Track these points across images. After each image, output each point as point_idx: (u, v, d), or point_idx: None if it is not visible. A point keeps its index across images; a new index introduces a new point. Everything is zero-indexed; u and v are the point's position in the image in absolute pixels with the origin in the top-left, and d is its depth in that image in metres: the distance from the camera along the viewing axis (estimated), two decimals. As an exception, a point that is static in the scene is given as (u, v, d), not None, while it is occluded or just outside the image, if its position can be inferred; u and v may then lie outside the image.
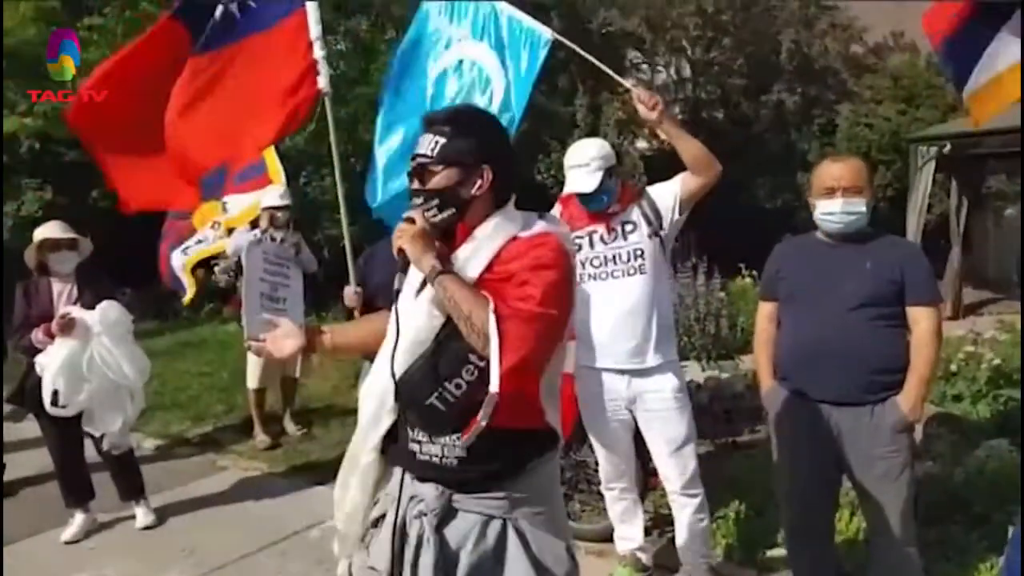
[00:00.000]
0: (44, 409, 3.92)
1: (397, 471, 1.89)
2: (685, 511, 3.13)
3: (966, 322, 6.95)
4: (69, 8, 10.79)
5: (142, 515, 4.31)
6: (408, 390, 1.78)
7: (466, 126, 1.80)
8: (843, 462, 2.67)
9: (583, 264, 3.07)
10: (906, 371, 2.57)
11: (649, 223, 3.04)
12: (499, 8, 3.45)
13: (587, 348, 3.08)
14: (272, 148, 6.24)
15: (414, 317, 1.78)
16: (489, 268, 1.73)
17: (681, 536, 3.17)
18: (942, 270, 8.33)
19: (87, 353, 3.90)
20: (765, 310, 2.91)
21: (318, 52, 3.48)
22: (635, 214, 3.05)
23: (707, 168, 2.95)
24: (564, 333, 1.76)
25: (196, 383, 7.30)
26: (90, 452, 4.29)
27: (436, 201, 1.77)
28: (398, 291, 1.81)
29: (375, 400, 1.86)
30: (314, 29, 3.47)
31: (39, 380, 3.93)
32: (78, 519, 4.22)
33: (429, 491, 1.79)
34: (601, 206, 3.04)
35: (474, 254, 1.75)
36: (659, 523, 3.61)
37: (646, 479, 3.47)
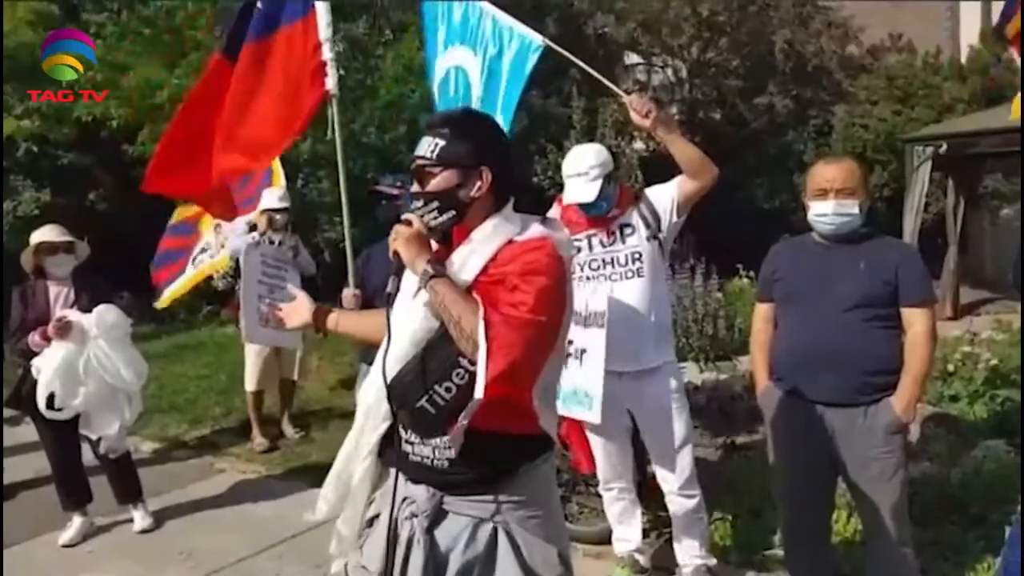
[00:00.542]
0: (41, 412, 3.92)
1: (392, 472, 1.89)
2: (683, 511, 3.13)
3: (963, 322, 6.96)
4: (66, 11, 10.80)
5: (140, 518, 4.31)
6: (399, 392, 1.78)
7: (464, 128, 1.81)
8: (838, 463, 2.68)
9: (581, 267, 3.08)
10: (900, 372, 2.57)
11: (647, 226, 3.05)
12: (486, 11, 3.46)
13: None
14: None
15: (410, 320, 1.78)
16: (484, 271, 1.73)
17: (678, 537, 3.18)
18: (939, 270, 8.34)
19: (84, 356, 3.91)
20: (761, 311, 2.92)
21: (327, 53, 3.48)
22: (633, 217, 3.06)
23: (703, 172, 2.95)
24: (558, 339, 1.76)
25: (194, 386, 7.29)
26: (87, 455, 4.28)
27: (436, 203, 1.77)
28: (390, 294, 1.82)
29: (373, 402, 1.87)
30: (323, 31, 3.47)
31: (36, 383, 3.93)
32: (76, 522, 4.21)
33: (420, 492, 1.81)
34: (601, 212, 3.05)
35: (470, 257, 1.75)
36: (657, 525, 3.61)
37: (643, 480, 3.48)
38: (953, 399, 4.93)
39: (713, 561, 3.24)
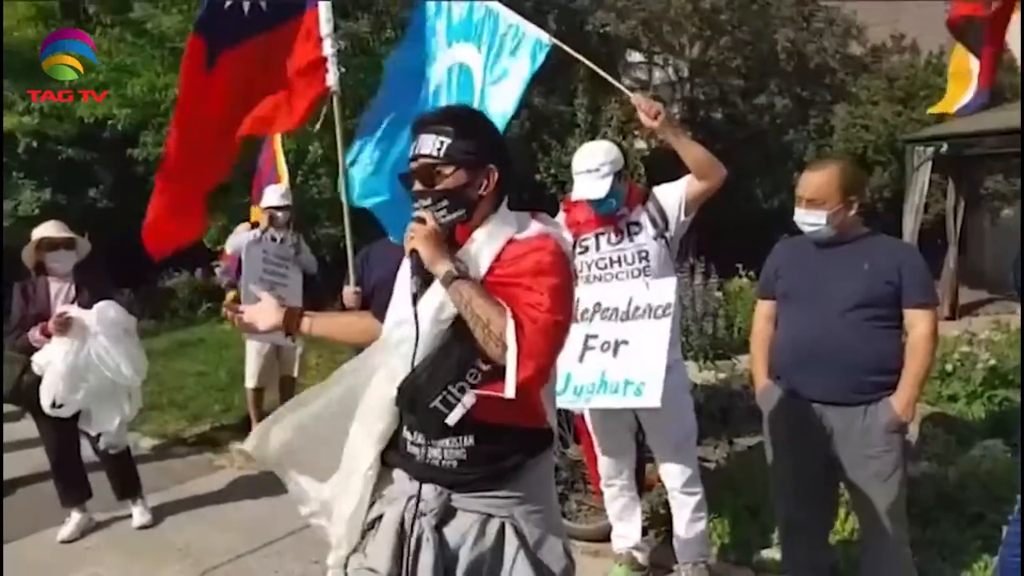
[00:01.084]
0: (41, 408, 3.92)
1: (395, 473, 1.90)
2: (684, 510, 3.14)
3: (962, 322, 6.97)
4: (66, 8, 10.78)
5: (139, 514, 4.31)
6: (412, 393, 1.77)
7: (468, 126, 1.80)
8: (836, 462, 2.68)
9: (588, 266, 3.09)
10: (900, 372, 2.58)
11: (655, 224, 3.06)
12: (494, 9, 3.45)
13: None
14: (280, 148, 6.25)
15: (421, 320, 1.76)
16: (490, 271, 1.74)
17: (679, 535, 3.19)
18: (938, 270, 8.35)
19: (84, 352, 3.91)
20: (763, 309, 2.92)
21: (328, 49, 3.46)
22: (641, 216, 3.07)
23: (711, 172, 2.96)
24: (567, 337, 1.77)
25: (193, 383, 7.29)
26: (87, 451, 4.29)
27: (446, 202, 1.76)
28: (416, 295, 1.75)
29: (381, 405, 1.86)
30: (325, 27, 3.46)
31: (35, 379, 3.93)
32: (75, 518, 4.22)
33: (428, 491, 1.80)
34: (611, 209, 3.05)
35: (477, 256, 1.75)
36: (655, 523, 3.61)
37: (642, 478, 3.49)
38: (951, 399, 4.94)
39: (712, 559, 3.25)
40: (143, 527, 4.27)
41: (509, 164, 1.84)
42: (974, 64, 4.12)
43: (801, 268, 2.77)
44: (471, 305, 1.65)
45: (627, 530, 3.33)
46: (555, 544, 1.82)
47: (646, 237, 3.06)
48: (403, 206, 2.07)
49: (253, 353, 5.52)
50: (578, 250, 3.11)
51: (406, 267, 1.85)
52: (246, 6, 3.48)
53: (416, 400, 1.77)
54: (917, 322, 2.58)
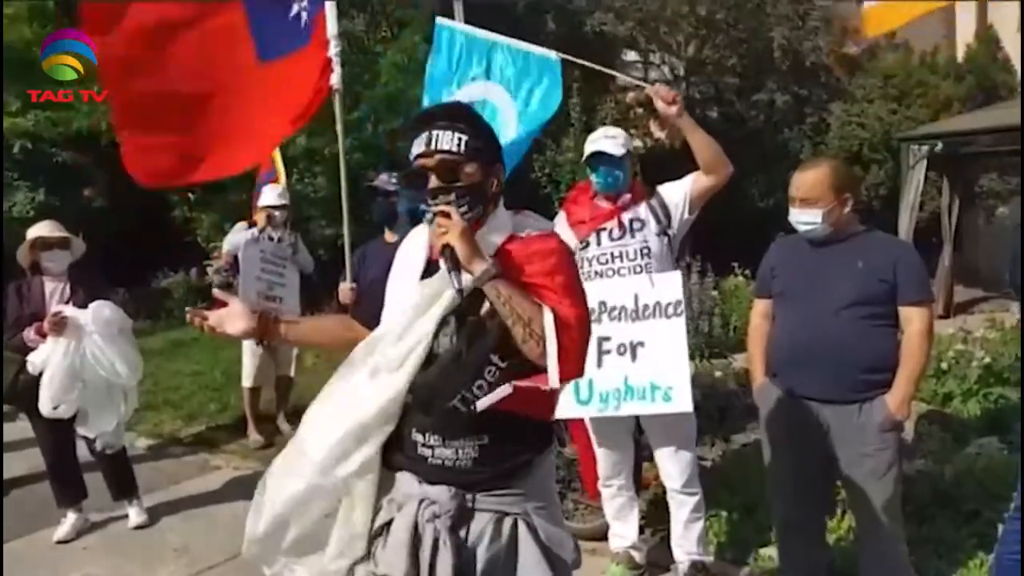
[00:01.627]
0: (36, 408, 3.91)
1: (403, 476, 1.86)
2: (683, 509, 3.15)
3: (957, 320, 6.97)
4: (63, 8, 10.73)
5: (135, 515, 4.30)
6: (428, 394, 1.76)
7: (477, 124, 1.81)
8: (832, 460, 2.69)
9: (589, 262, 3.09)
10: (895, 370, 2.58)
11: (658, 221, 3.07)
12: (503, 45, 3.51)
13: None
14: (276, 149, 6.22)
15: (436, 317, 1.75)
16: None
17: (677, 533, 3.20)
18: (933, 268, 8.37)
19: (79, 352, 3.90)
20: (759, 307, 2.93)
21: (333, 49, 3.48)
22: (645, 211, 3.08)
23: (719, 167, 2.99)
24: None
25: (189, 382, 7.28)
26: (82, 451, 4.28)
27: (468, 198, 1.74)
28: (460, 290, 1.67)
29: (383, 406, 1.81)
30: (331, 27, 3.47)
31: (31, 379, 3.92)
32: (70, 519, 4.20)
33: (442, 493, 1.77)
34: (617, 184, 3.09)
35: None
36: (652, 521, 3.61)
37: (639, 477, 3.49)
38: (947, 397, 4.96)
39: (709, 558, 3.25)
40: (139, 527, 4.26)
41: (503, 162, 1.87)
42: None
43: (797, 266, 2.77)
44: (511, 303, 1.64)
45: (624, 529, 3.34)
46: (564, 537, 1.85)
47: (648, 233, 3.07)
48: None
49: (249, 353, 5.51)
50: (579, 246, 3.11)
51: (404, 265, 1.85)
52: (304, 16, 3.49)
53: (433, 401, 1.75)
54: (913, 319, 2.58)
